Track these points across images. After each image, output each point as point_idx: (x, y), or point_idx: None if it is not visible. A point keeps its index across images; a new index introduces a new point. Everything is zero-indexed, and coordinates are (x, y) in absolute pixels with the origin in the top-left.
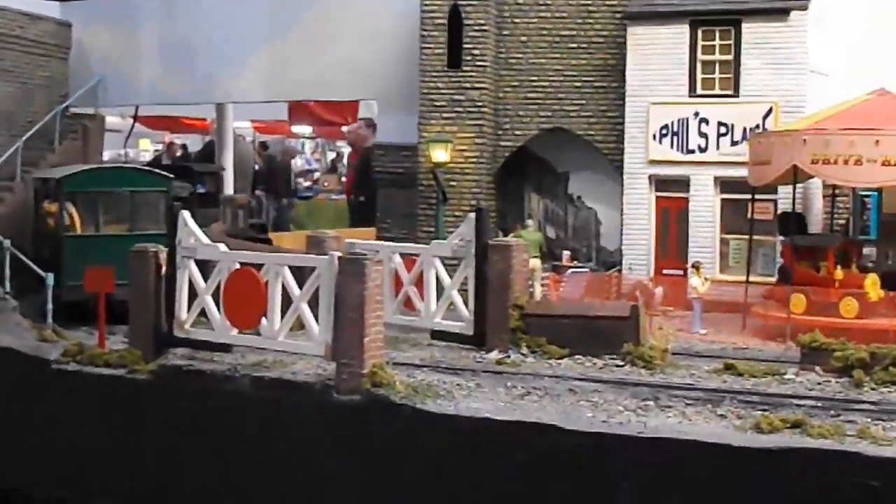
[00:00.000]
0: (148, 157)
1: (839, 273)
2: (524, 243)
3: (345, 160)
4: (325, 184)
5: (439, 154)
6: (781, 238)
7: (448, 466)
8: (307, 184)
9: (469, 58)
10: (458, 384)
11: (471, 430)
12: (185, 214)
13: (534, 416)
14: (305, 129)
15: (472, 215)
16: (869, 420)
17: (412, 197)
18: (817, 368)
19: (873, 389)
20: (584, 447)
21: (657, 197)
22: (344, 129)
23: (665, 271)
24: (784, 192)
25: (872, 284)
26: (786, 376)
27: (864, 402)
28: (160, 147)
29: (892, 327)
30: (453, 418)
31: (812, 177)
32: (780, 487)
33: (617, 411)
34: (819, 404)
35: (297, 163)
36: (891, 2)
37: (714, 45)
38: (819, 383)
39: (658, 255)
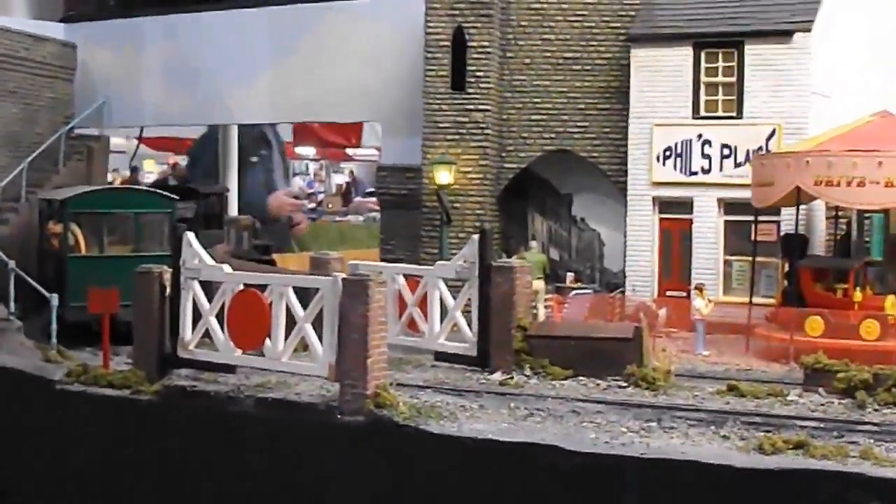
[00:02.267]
0: (153, 177)
1: (858, 295)
2: (527, 265)
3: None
4: (329, 205)
5: (443, 176)
6: (799, 261)
7: (451, 487)
8: (311, 205)
9: (473, 80)
10: (461, 405)
11: (474, 451)
12: (190, 235)
13: (537, 438)
14: (309, 151)
15: (476, 237)
16: (872, 441)
17: (416, 218)
18: (820, 390)
19: (876, 410)
20: (587, 468)
21: (660, 219)
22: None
23: (668, 293)
24: (787, 213)
25: (893, 306)
26: (789, 398)
27: (866, 423)
28: (165, 167)
29: None
30: (457, 440)
31: (815, 198)
32: None
33: (620, 432)
34: (822, 425)
35: (299, 184)
36: (892, 23)
37: (717, 67)
38: (822, 405)
39: (661, 277)
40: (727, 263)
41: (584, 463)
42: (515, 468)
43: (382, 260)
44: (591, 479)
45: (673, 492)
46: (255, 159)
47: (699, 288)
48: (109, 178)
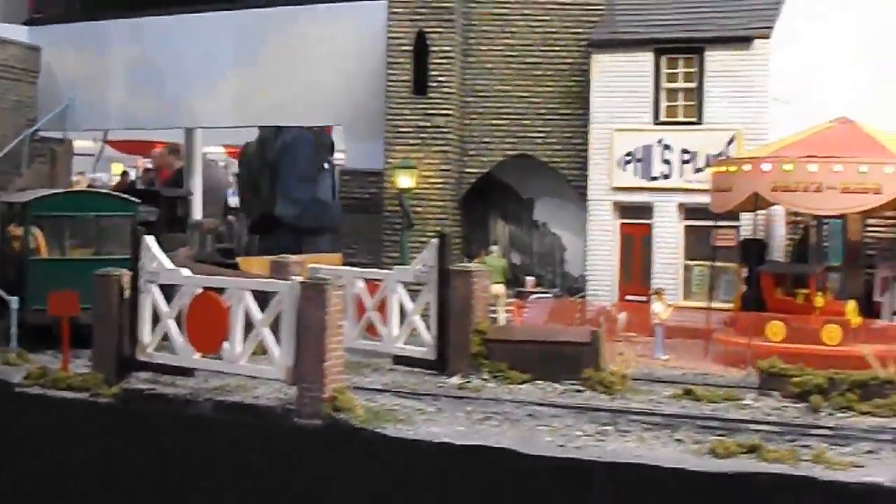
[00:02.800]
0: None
1: (820, 300)
2: (486, 269)
3: None
4: None
5: (404, 180)
6: (759, 266)
7: (407, 490)
8: None
9: (435, 84)
10: (418, 409)
11: (430, 454)
12: (149, 239)
13: (492, 441)
14: None
15: (435, 241)
16: (825, 445)
17: (379, 222)
18: (775, 394)
19: (830, 415)
20: (542, 472)
21: (621, 223)
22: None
23: (629, 297)
24: (747, 218)
25: (852, 311)
26: (744, 402)
27: (820, 427)
28: (134, 171)
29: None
30: (412, 443)
31: (773, 204)
32: None
33: (575, 436)
34: (776, 429)
35: None
36: (851, 30)
37: (678, 73)
38: (777, 408)
39: (622, 282)
40: (687, 268)
41: (539, 466)
42: (470, 471)
43: (346, 264)
44: (545, 482)
45: (628, 495)
46: (326, 166)
47: (658, 292)
48: (74, 179)
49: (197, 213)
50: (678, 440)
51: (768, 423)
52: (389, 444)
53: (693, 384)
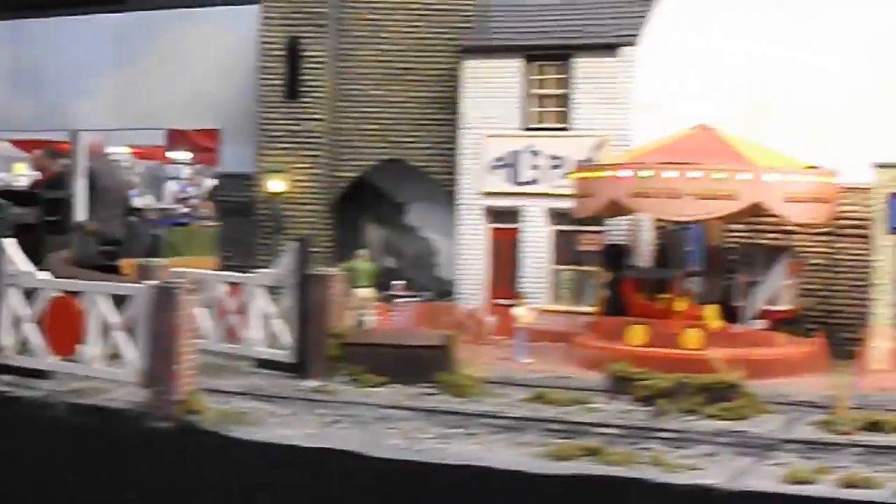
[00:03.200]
0: (25, 181)
1: (680, 304)
2: (348, 273)
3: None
4: (203, 210)
5: (275, 184)
6: (620, 271)
7: (252, 492)
8: (185, 210)
9: (307, 89)
10: (271, 412)
11: (277, 457)
12: (6, 242)
13: (338, 444)
14: (186, 156)
15: (295, 245)
16: (666, 448)
17: (253, 226)
18: (624, 397)
19: (676, 418)
20: (384, 475)
21: (491, 228)
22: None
23: (498, 301)
24: (614, 224)
25: (712, 315)
26: (593, 405)
27: (665, 430)
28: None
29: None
30: (261, 445)
31: (634, 210)
32: None
33: (422, 439)
34: (620, 433)
35: (173, 188)
36: (720, 38)
37: (547, 80)
38: (625, 412)
39: (492, 286)
40: (556, 273)
41: (381, 469)
42: (314, 473)
43: (223, 267)
44: (388, 485)
45: (464, 497)
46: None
47: (520, 296)
48: None
49: (80, 215)
50: (523, 443)
51: (613, 426)
52: (237, 446)
53: (549, 388)
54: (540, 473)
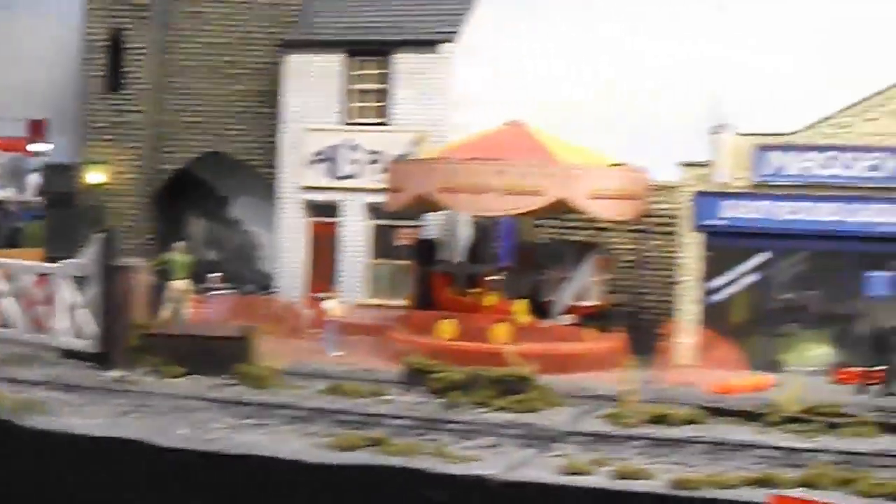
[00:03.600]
0: None
1: (489, 299)
2: (155, 265)
3: None
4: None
5: (95, 175)
6: (430, 266)
7: (40, 478)
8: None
9: (129, 81)
10: (68, 401)
11: (67, 445)
12: None
13: (128, 433)
14: (46, 147)
15: (100, 236)
16: (452, 439)
17: (77, 218)
18: (420, 389)
19: (466, 410)
20: (170, 463)
21: (311, 222)
22: None
23: (317, 295)
24: (431, 218)
25: (521, 310)
26: (388, 397)
27: (453, 421)
28: None
29: (539, 352)
30: (53, 434)
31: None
32: (353, 502)
33: (213, 429)
34: (409, 424)
35: (35, 181)
36: (541, 34)
37: (367, 75)
38: (417, 404)
39: (311, 279)
40: (374, 266)
41: (167, 458)
42: (101, 462)
43: (47, 259)
44: (172, 473)
45: (248, 485)
46: None
47: (331, 290)
48: None
49: None
50: (311, 433)
51: (404, 417)
52: (27, 434)
53: (344, 379)
54: (318, 463)
